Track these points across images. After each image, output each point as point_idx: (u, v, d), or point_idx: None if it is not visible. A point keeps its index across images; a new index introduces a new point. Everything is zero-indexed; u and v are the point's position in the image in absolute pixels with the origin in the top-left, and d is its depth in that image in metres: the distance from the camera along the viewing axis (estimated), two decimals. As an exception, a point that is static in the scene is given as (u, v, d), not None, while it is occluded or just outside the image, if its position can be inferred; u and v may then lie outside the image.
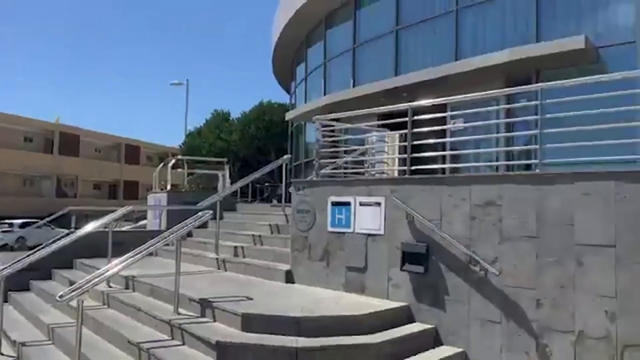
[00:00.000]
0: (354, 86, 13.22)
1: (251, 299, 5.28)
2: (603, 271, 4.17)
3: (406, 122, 5.80)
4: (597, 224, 4.22)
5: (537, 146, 4.81)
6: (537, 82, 8.94)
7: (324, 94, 14.83)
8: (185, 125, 54.64)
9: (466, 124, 7.27)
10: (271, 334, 4.46)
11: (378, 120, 10.51)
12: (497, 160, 8.82)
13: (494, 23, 10.10)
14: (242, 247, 7.87)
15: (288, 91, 22.49)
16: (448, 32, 10.85)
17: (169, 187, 12.48)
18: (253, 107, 31.76)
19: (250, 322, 4.58)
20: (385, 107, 6.44)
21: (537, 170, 4.77)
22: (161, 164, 14.28)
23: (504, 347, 4.69)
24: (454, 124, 7.70)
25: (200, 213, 5.91)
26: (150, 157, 52.48)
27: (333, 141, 7.90)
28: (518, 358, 4.59)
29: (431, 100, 5.91)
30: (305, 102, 16.70)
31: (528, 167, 6.03)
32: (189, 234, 9.29)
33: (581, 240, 4.30)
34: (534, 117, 4.90)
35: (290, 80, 20.82)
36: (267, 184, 23.21)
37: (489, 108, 7.92)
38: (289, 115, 17.02)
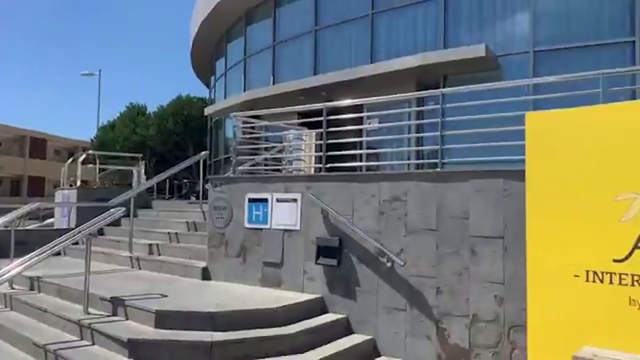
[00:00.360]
0: (273, 84, 13.32)
1: (166, 296, 5.26)
2: (493, 260, 4.63)
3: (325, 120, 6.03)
4: (488, 218, 4.68)
5: (438, 147, 5.22)
6: (444, 87, 9.62)
7: (244, 90, 14.79)
8: (97, 119, 51.67)
9: (380, 124, 7.67)
10: (186, 330, 4.50)
11: (299, 118, 10.71)
12: (408, 159, 9.36)
13: (407, 28, 10.65)
14: (158, 245, 7.73)
15: (208, 85, 22.08)
16: (364, 35, 11.28)
17: (79, 183, 11.89)
18: (171, 101, 30.84)
19: (164, 319, 4.57)
20: (302, 106, 6.63)
21: (438, 169, 5.18)
22: (70, 159, 13.56)
23: (408, 333, 5.06)
24: (369, 124, 8.08)
25: (112, 210, 5.76)
26: (59, 151, 49.13)
27: (251, 138, 7.97)
28: (421, 342, 4.97)
29: (346, 101, 6.20)
30: (225, 98, 16.54)
31: (435, 165, 6.51)
32: (101, 232, 8.96)
33: (475, 232, 4.74)
34: (436, 120, 5.31)
35: (209, 75, 20.47)
36: (185, 181, 22.68)
37: (400, 110, 8.38)
38: (207, 111, 16.77)
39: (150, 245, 7.78)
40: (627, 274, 3.41)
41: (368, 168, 7.47)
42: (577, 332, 3.57)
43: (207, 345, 4.23)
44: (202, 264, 6.60)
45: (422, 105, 8.76)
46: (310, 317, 5.18)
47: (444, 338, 4.85)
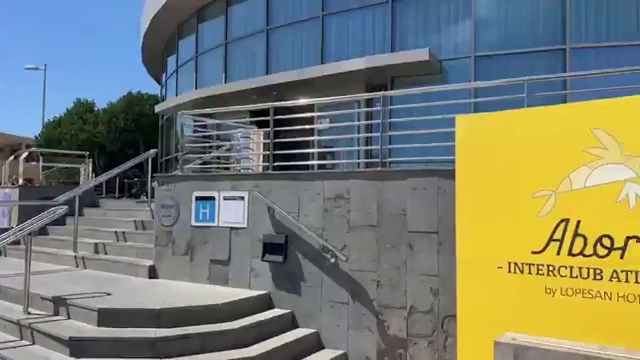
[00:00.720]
0: (225, 82, 13.30)
1: (110, 294, 5.24)
2: (429, 254, 4.90)
3: (276, 120, 6.13)
4: (424, 214, 4.94)
5: (379, 146, 5.45)
6: (391, 89, 9.92)
7: (195, 88, 14.68)
8: (43, 115, 49.63)
9: (330, 125, 7.87)
10: (130, 327, 4.51)
11: (251, 117, 10.77)
12: (358, 158, 9.61)
13: (356, 31, 10.90)
14: (104, 244, 7.63)
15: (159, 82, 21.68)
16: (315, 36, 11.45)
17: (21, 181, 11.48)
18: (121, 98, 29.95)
19: (107, 317, 4.57)
20: (251, 105, 6.73)
21: (378, 168, 5.41)
22: (12, 156, 13.06)
23: (350, 326, 5.26)
24: (320, 123, 8.27)
25: (54, 208, 5.67)
26: (1, 148, 46.76)
27: (201, 136, 7.99)
28: (362, 334, 5.19)
29: (291, 102, 6.33)
30: (177, 95, 16.33)
31: (382, 164, 6.75)
32: (45, 232, 8.74)
33: (412, 228, 5.00)
34: (377, 121, 5.54)
35: (161, 71, 20.11)
36: (136, 180, 22.18)
37: (348, 111, 8.62)
38: (158, 108, 16.50)
39: (96, 244, 7.67)
40: (543, 265, 3.72)
41: (320, 167, 7.64)
42: (501, 319, 3.85)
43: (150, 341, 4.28)
44: (149, 263, 6.58)
45: (371, 107, 9.02)
46: (256, 313, 5.30)
47: (383, 329, 5.08)
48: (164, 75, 19.54)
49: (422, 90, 5.36)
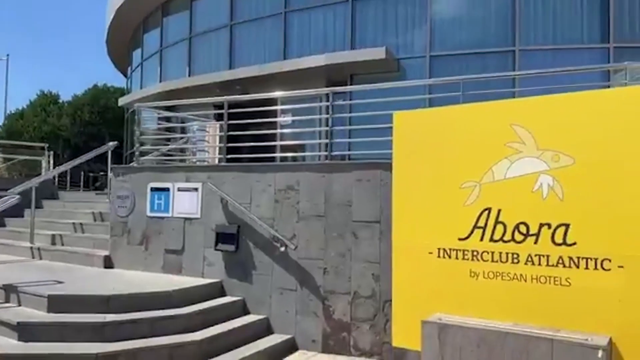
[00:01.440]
0: (189, 75, 13.34)
1: (62, 282, 5.32)
2: (371, 242, 5.17)
3: (237, 113, 6.30)
4: (367, 205, 5.21)
5: (328, 140, 5.70)
6: (351, 85, 10.18)
7: (160, 81, 14.65)
8: (5, 106, 48.21)
9: (292, 118, 8.08)
10: (79, 313, 4.63)
11: (214, 109, 10.88)
12: (319, 151, 9.84)
13: (318, 28, 11.13)
14: (61, 236, 7.65)
15: (125, 75, 21.45)
16: (278, 32, 11.63)
17: (-22, 173, 11.31)
18: (87, 90, 29.49)
19: (57, 303, 4.66)
20: (205, 99, 6.87)
21: (326, 161, 5.65)
22: (-30, 148, 12.81)
23: (298, 311, 5.50)
24: (283, 117, 8.46)
25: (5, 197, 5.70)
26: (-42, 140, 45.22)
27: (158, 129, 8.08)
28: (309, 319, 5.43)
29: (246, 96, 6.51)
30: (141, 88, 16.24)
31: (343, 157, 7.00)
32: (2, 224, 8.72)
33: (356, 218, 5.26)
34: (325, 115, 5.78)
35: (126, 64, 19.91)
36: (102, 173, 21.91)
37: (309, 105, 8.81)
38: (122, 101, 16.39)
39: (53, 235, 7.68)
40: (468, 250, 4.02)
41: (282, 159, 7.81)
42: (431, 301, 4.14)
43: (98, 326, 4.41)
44: (105, 253, 6.66)
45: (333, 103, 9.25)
46: (208, 300, 5.47)
47: (329, 314, 5.33)
48: (129, 68, 19.36)
49: (363, 88, 5.68)
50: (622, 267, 3.43)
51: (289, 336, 5.45)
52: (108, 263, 6.58)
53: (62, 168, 8.86)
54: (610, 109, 3.56)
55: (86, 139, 27.19)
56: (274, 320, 5.61)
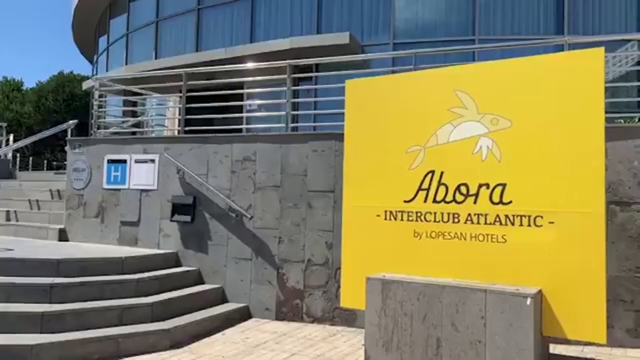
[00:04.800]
0: (156, 59, 13.20)
1: (12, 250, 5.25)
2: (325, 211, 5.28)
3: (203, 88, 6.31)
4: (322, 175, 5.31)
5: (286, 112, 5.78)
6: (317, 71, 10.26)
7: (126, 64, 14.45)
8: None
9: (257, 102, 8.14)
10: (29, 276, 4.58)
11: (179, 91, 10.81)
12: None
13: (284, 12, 11.19)
14: (16, 212, 7.52)
15: (91, 62, 21.02)
16: (245, 16, 11.64)
17: None
18: (51, 77, 28.74)
19: (5, 267, 4.61)
20: (164, 71, 6.85)
21: (283, 132, 5.73)
22: None
23: (253, 280, 5.56)
24: (249, 105, 8.51)
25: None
26: None
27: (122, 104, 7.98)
28: (263, 287, 5.50)
29: (209, 68, 6.53)
30: (107, 72, 15.98)
31: (292, 129, 7.04)
32: (-48, 201, 8.44)
33: (311, 188, 5.36)
34: (283, 88, 5.87)
35: (92, 50, 19.53)
36: (65, 162, 21.43)
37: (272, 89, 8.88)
38: (86, 85, 16.07)
39: (7, 212, 7.54)
40: (412, 212, 4.16)
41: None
42: (378, 262, 4.25)
43: (46, 287, 4.38)
44: (60, 226, 6.58)
45: (298, 85, 9.34)
46: (162, 270, 5.47)
47: (283, 282, 5.41)
48: (95, 54, 18.99)
49: (324, 61, 5.78)
50: (552, 222, 3.62)
51: (243, 304, 5.51)
52: (63, 236, 6.51)
53: (19, 143, 8.66)
54: (543, 74, 3.75)
55: (50, 126, 26.49)
56: (228, 290, 5.66)
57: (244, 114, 6.75)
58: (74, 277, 4.66)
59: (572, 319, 3.53)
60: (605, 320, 3.41)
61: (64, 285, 4.47)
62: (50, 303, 4.31)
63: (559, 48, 8.95)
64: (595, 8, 9.51)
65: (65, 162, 20.79)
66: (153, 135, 7.55)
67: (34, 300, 4.33)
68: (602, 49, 3.59)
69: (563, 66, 3.73)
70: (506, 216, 3.80)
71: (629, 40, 8.79)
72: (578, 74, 3.63)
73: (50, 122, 27.03)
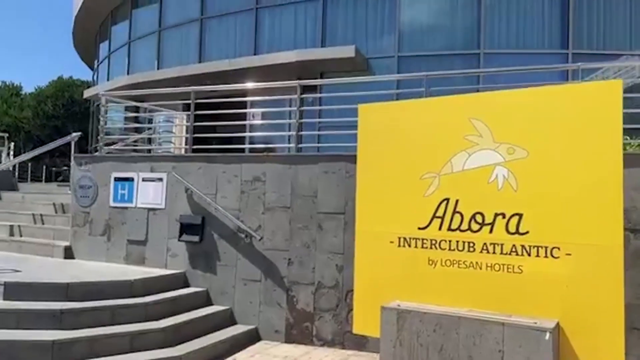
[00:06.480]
0: (158, 69, 13.17)
1: (19, 271, 5.20)
2: (336, 233, 5.25)
3: (211, 104, 6.26)
4: (332, 196, 5.29)
5: (295, 133, 5.76)
6: (321, 85, 10.25)
7: (127, 74, 14.41)
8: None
9: (261, 110, 8.11)
10: (38, 301, 4.54)
11: (184, 104, 10.77)
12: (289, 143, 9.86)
13: (289, 25, 11.18)
14: (20, 227, 7.46)
15: (92, 68, 20.98)
16: (249, 27, 11.62)
17: None
18: (50, 83, 28.66)
19: (14, 291, 4.57)
20: (170, 89, 6.84)
21: (292, 153, 5.71)
22: None
23: (262, 301, 5.53)
24: (253, 114, 8.47)
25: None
26: None
27: (126, 118, 7.96)
28: (272, 309, 5.47)
29: (215, 86, 6.50)
30: (108, 80, 15.93)
31: (298, 149, 7.05)
32: (-46, 214, 8.38)
33: (322, 209, 5.33)
34: (294, 108, 5.84)
35: (93, 56, 19.48)
36: (64, 168, 21.36)
37: (272, 97, 8.84)
38: (88, 93, 16.03)
39: (11, 226, 7.48)
40: (427, 239, 4.14)
41: (251, 151, 7.79)
42: (391, 289, 4.24)
43: (57, 312, 4.33)
44: (65, 244, 6.53)
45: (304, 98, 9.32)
46: (170, 291, 5.44)
47: (292, 304, 5.38)
48: (96, 60, 18.94)
49: (332, 82, 5.77)
50: (569, 254, 3.60)
51: (252, 326, 5.47)
52: (68, 254, 6.45)
53: (22, 157, 8.60)
54: (560, 104, 3.74)
55: (50, 132, 26.42)
56: (237, 311, 5.62)
57: (249, 134, 6.69)
58: (83, 301, 4.62)
59: (590, 352, 3.51)
60: (623, 354, 3.39)
61: (75, 311, 4.43)
62: (60, 329, 4.27)
63: (563, 74, 8.98)
64: (600, 22, 9.53)
65: (64, 168, 20.69)
66: (160, 151, 7.52)
67: (45, 326, 4.29)
68: (620, 81, 3.58)
69: (581, 97, 3.72)
70: (522, 247, 3.78)
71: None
72: (596, 105, 3.62)
73: (49, 128, 27.00)
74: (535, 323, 3.46)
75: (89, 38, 18.82)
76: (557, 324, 3.54)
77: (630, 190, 4.35)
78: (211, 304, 5.68)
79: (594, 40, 9.48)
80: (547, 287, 3.66)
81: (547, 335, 3.35)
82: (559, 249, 3.64)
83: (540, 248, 3.72)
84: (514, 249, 3.81)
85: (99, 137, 6.93)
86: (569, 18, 9.41)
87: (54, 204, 8.03)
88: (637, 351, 4.29)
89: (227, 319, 5.54)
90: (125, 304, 4.74)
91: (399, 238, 4.26)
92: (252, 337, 5.39)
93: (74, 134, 8.84)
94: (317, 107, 5.77)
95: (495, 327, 3.53)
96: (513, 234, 3.82)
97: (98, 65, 18.46)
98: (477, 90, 7.36)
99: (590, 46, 9.37)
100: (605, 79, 9.51)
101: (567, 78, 7.87)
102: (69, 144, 8.04)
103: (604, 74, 8.35)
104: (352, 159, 5.11)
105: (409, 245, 4.22)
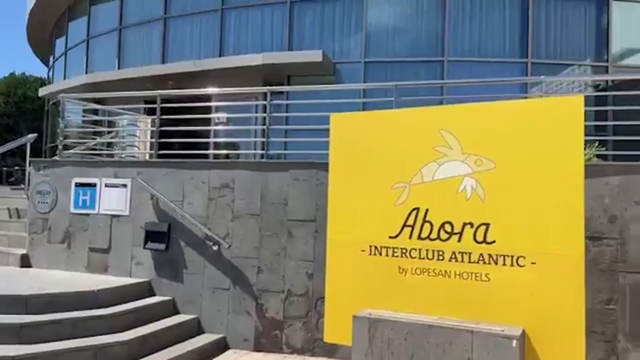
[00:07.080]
0: (119, 68, 12.79)
1: (-27, 282, 4.95)
2: (306, 241, 5.25)
3: (176, 108, 6.12)
4: (303, 204, 5.28)
5: (264, 139, 5.72)
6: (288, 86, 10.22)
7: (86, 72, 13.92)
8: None
9: (228, 115, 8.00)
10: (-5, 314, 4.33)
11: (145, 104, 10.50)
12: (255, 149, 9.79)
13: (255, 27, 11.08)
14: (-29, 233, 7.09)
15: (47, 64, 20.17)
16: (214, 28, 11.45)
17: None
18: (2, 79, 27.36)
19: (-32, 305, 4.35)
20: (135, 92, 6.66)
21: (262, 160, 5.67)
22: None
23: (231, 310, 5.46)
24: (218, 118, 8.34)
25: None
26: None
27: (86, 122, 7.70)
28: (241, 317, 5.41)
29: (182, 91, 6.37)
30: (65, 79, 15.35)
31: (279, 157, 7.02)
32: None
33: (292, 217, 5.32)
34: (262, 114, 5.80)
35: (48, 53, 18.74)
36: (17, 168, 20.44)
37: (238, 103, 8.76)
38: (43, 91, 15.39)
39: (-39, 233, 7.10)
40: (397, 248, 4.19)
41: (216, 157, 7.69)
42: (362, 297, 4.26)
43: (16, 327, 4.15)
44: (22, 251, 6.26)
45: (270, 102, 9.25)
46: (135, 300, 5.30)
47: (262, 312, 5.34)
48: (52, 57, 18.22)
49: (303, 89, 5.84)
50: (534, 263, 3.72)
51: (220, 335, 5.40)
52: (25, 262, 6.19)
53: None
54: (526, 118, 3.87)
55: (0, 130, 25.23)
56: (204, 320, 5.53)
57: (214, 139, 6.60)
58: (45, 313, 4.44)
59: (553, 357, 3.65)
60: (584, 358, 3.54)
61: (35, 324, 4.25)
62: (20, 344, 4.09)
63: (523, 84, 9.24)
64: (557, 33, 9.91)
65: (16, 168, 19.83)
66: (124, 156, 7.31)
67: (3, 341, 4.09)
68: (582, 97, 3.74)
69: (545, 111, 3.86)
70: (490, 255, 3.88)
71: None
72: (559, 119, 3.76)
73: (1, 126, 25.76)
74: (503, 331, 3.56)
75: (44, 34, 18.08)
76: (523, 331, 3.65)
77: (590, 200, 4.54)
78: (178, 313, 5.58)
79: (552, 50, 9.84)
80: (513, 295, 3.77)
81: (514, 343, 3.45)
82: (524, 257, 3.76)
83: (506, 257, 3.82)
84: (481, 258, 3.90)
85: (58, 141, 6.66)
86: (528, 28, 9.75)
87: (8, 209, 7.70)
88: (595, 354, 4.49)
89: (195, 329, 5.45)
90: (88, 316, 4.59)
91: (370, 247, 4.29)
92: (220, 347, 5.32)
93: (30, 136, 8.48)
94: (285, 114, 5.72)
95: (464, 335, 3.61)
96: (480, 243, 3.91)
97: (54, 62, 17.76)
98: (442, 102, 7.57)
99: (548, 56, 9.73)
100: (559, 89, 9.94)
101: (526, 90, 8.20)
102: (13, 141, 7.74)
103: (558, 87, 8.75)
104: (324, 166, 5.12)
105: (380, 254, 4.26)
